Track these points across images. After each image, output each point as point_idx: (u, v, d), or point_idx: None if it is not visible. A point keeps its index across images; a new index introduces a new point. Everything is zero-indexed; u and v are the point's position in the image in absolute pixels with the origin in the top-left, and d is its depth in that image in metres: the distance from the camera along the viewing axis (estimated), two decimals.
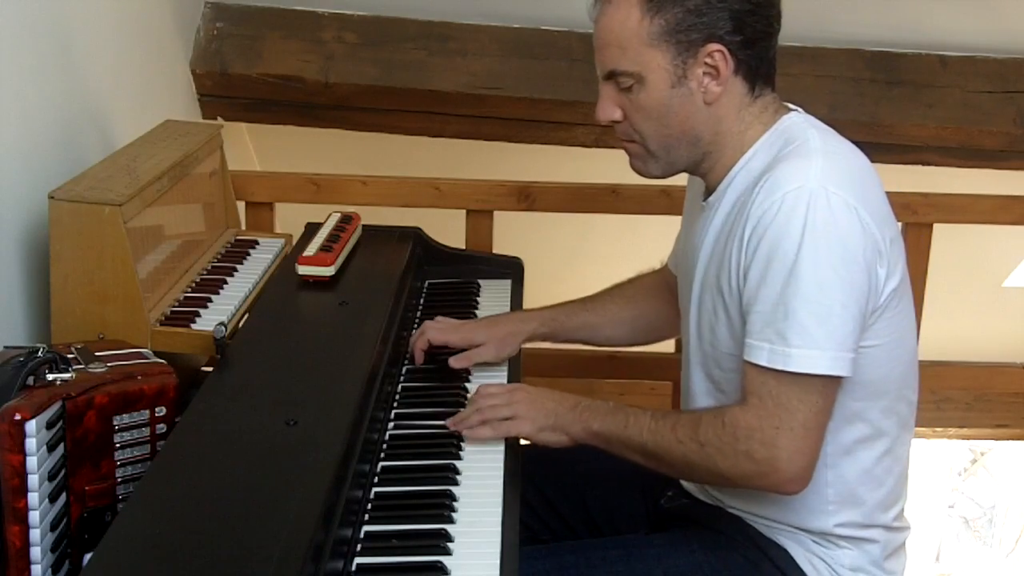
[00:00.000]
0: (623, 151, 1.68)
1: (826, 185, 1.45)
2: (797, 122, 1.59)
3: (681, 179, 1.80)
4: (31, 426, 1.29)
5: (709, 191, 1.65)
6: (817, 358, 1.44)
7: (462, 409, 1.69)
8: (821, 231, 1.44)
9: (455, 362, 1.80)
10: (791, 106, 1.64)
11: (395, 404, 1.74)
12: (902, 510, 1.68)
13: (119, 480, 1.44)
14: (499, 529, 1.42)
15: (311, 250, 1.90)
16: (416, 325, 1.99)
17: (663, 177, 1.67)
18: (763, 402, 1.47)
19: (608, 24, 1.57)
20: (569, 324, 1.93)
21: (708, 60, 1.54)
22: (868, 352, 1.52)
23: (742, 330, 1.53)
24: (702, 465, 1.52)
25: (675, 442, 1.52)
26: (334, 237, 1.97)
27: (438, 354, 1.84)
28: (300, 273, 1.88)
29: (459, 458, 1.58)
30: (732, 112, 1.58)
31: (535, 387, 1.66)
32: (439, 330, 1.85)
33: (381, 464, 1.56)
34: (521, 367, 1.88)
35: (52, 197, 1.65)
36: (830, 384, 1.47)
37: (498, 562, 1.35)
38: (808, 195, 1.45)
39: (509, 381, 1.81)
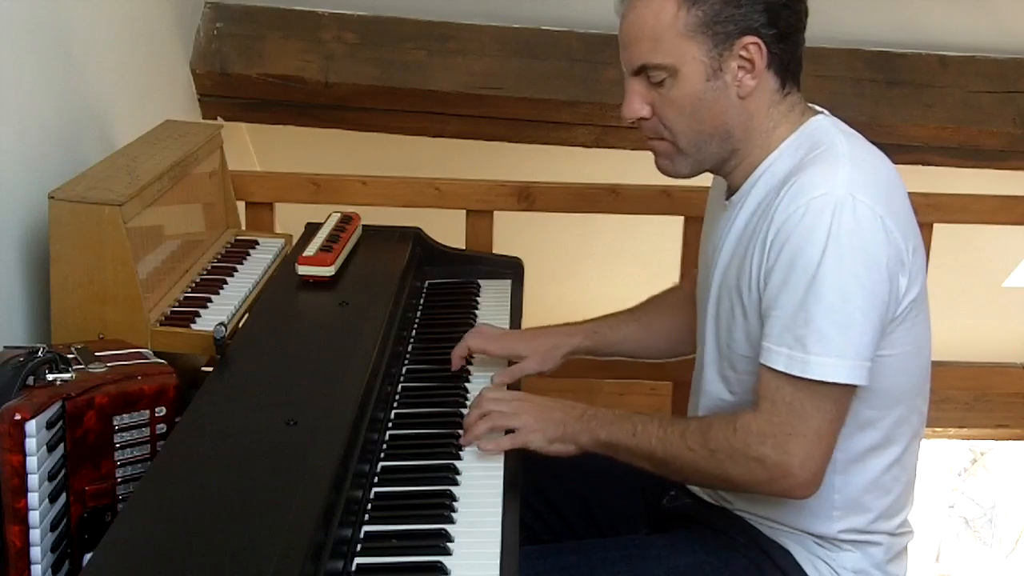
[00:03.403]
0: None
1: (853, 192, 1.44)
2: (824, 125, 1.58)
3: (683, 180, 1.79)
4: (31, 426, 1.29)
5: (732, 190, 1.64)
6: (836, 366, 1.43)
7: (462, 410, 1.69)
8: (846, 239, 1.43)
9: (499, 377, 1.78)
10: (817, 108, 1.63)
11: (395, 404, 1.74)
12: (907, 517, 1.67)
13: (119, 480, 1.44)
14: (499, 529, 1.41)
15: (311, 250, 1.90)
16: (416, 325, 1.99)
17: (689, 176, 1.65)
18: (776, 407, 1.46)
19: (640, 17, 1.55)
20: (613, 337, 1.90)
21: (743, 53, 1.53)
22: (886, 361, 1.51)
23: (759, 332, 1.52)
24: (713, 472, 1.51)
25: (685, 449, 1.52)
26: (334, 237, 1.97)
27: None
28: (300, 273, 1.88)
29: (459, 458, 1.57)
30: (763, 108, 1.57)
31: (538, 396, 1.64)
32: (479, 337, 1.83)
33: (381, 464, 1.56)
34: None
35: (52, 197, 1.65)
36: (845, 392, 1.47)
37: (498, 562, 1.35)
38: (834, 202, 1.44)
39: (509, 384, 1.81)
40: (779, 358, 1.46)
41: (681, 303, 1.93)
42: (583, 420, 1.59)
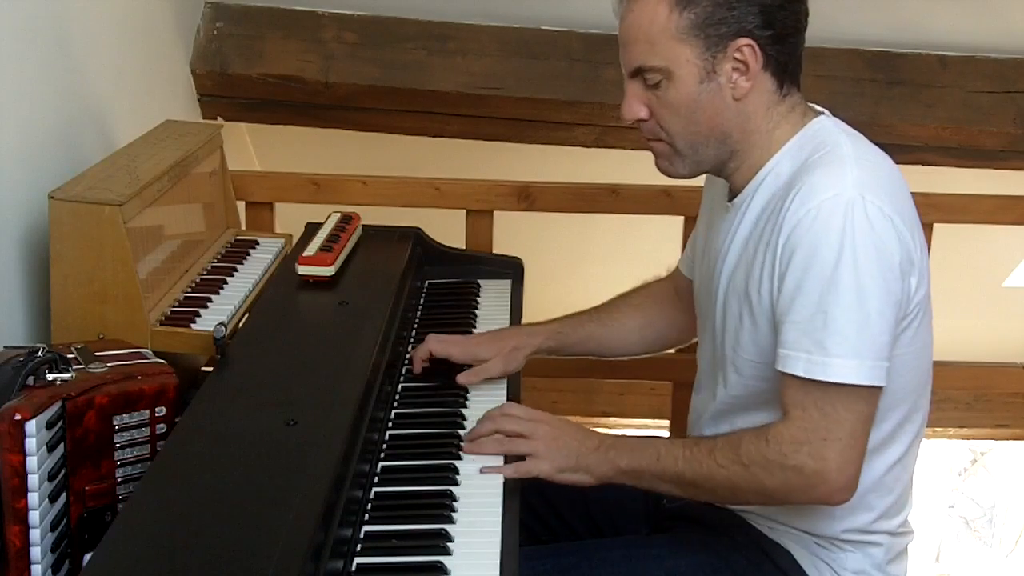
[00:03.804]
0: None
1: (863, 193, 1.44)
2: (827, 126, 1.58)
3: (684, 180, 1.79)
4: (31, 426, 1.29)
5: (734, 192, 1.63)
6: (857, 367, 1.43)
7: (463, 410, 1.69)
8: (860, 239, 1.43)
9: (463, 378, 1.77)
10: (818, 108, 1.62)
11: (395, 404, 1.74)
12: (907, 517, 1.67)
13: (119, 480, 1.44)
14: (499, 529, 1.41)
15: (311, 250, 1.90)
16: (416, 325, 1.99)
17: (689, 177, 1.65)
18: (807, 413, 1.45)
19: (636, 19, 1.55)
20: (575, 336, 1.90)
21: (737, 55, 1.52)
22: (893, 360, 1.50)
23: (768, 338, 1.52)
24: (747, 487, 1.49)
25: (716, 467, 1.50)
26: (334, 237, 1.97)
27: (439, 365, 1.82)
28: (300, 273, 1.88)
29: (459, 458, 1.57)
30: (760, 109, 1.56)
31: (559, 420, 1.62)
32: (441, 342, 1.82)
33: (381, 464, 1.56)
34: (521, 370, 1.87)
35: (52, 197, 1.65)
36: (874, 392, 1.46)
37: (498, 562, 1.35)
38: (845, 203, 1.44)
39: (509, 388, 1.80)
40: (798, 363, 1.45)
41: (653, 300, 1.94)
42: (600, 451, 1.57)
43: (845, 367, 1.43)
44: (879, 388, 1.47)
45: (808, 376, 1.44)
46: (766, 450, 1.46)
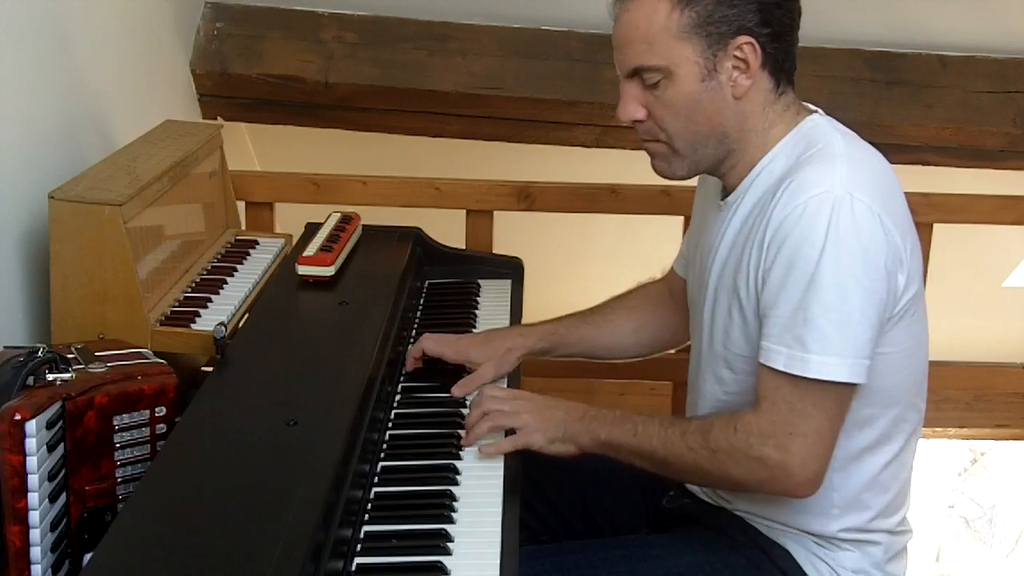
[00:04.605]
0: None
1: (851, 191, 1.44)
2: (820, 124, 1.58)
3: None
4: (31, 426, 1.29)
5: (727, 191, 1.64)
6: (836, 365, 1.43)
7: (463, 410, 1.69)
8: (844, 238, 1.43)
9: (458, 390, 1.76)
10: (811, 107, 1.63)
11: (395, 404, 1.74)
12: (905, 516, 1.68)
13: (119, 480, 1.44)
14: (499, 529, 1.41)
15: (311, 250, 1.90)
16: (416, 325, 1.99)
17: (686, 178, 1.65)
18: (776, 407, 1.46)
19: (634, 19, 1.54)
20: (569, 338, 1.90)
21: (738, 53, 1.52)
22: (884, 359, 1.51)
23: (757, 333, 1.52)
24: (714, 472, 1.51)
25: (686, 449, 1.52)
26: (334, 237, 1.97)
27: (433, 364, 1.83)
28: (300, 273, 1.88)
29: (459, 458, 1.57)
30: (758, 108, 1.56)
31: (539, 396, 1.64)
32: (435, 341, 1.82)
33: (381, 464, 1.56)
34: (520, 369, 1.87)
35: (52, 197, 1.66)
36: (846, 391, 1.47)
37: (498, 562, 1.35)
38: (832, 201, 1.44)
39: (509, 386, 1.80)
40: (779, 357, 1.46)
41: (648, 302, 1.94)
42: (584, 421, 1.59)
43: (823, 364, 1.43)
44: (854, 387, 1.47)
45: (787, 371, 1.45)
46: (733, 438, 1.48)
